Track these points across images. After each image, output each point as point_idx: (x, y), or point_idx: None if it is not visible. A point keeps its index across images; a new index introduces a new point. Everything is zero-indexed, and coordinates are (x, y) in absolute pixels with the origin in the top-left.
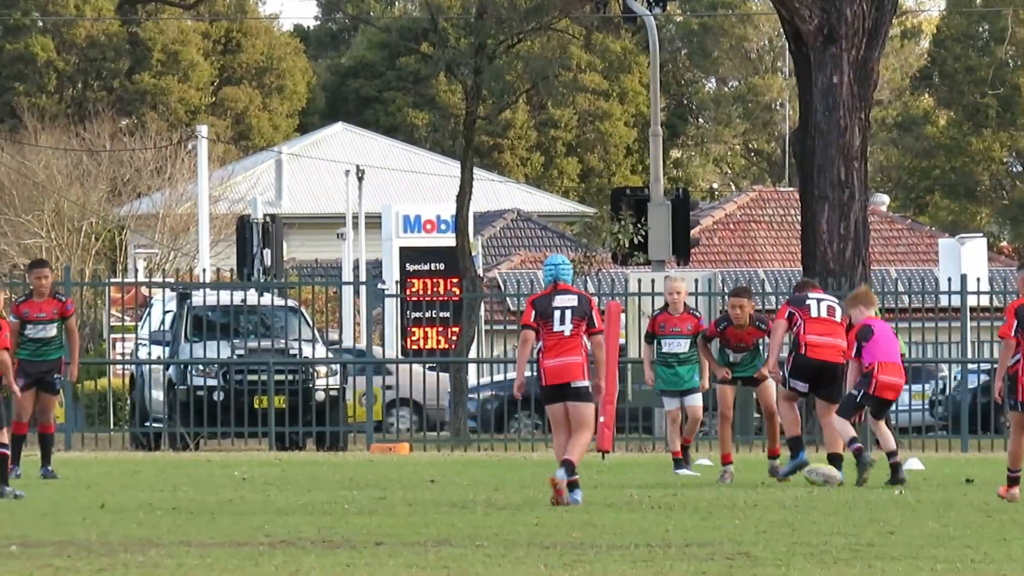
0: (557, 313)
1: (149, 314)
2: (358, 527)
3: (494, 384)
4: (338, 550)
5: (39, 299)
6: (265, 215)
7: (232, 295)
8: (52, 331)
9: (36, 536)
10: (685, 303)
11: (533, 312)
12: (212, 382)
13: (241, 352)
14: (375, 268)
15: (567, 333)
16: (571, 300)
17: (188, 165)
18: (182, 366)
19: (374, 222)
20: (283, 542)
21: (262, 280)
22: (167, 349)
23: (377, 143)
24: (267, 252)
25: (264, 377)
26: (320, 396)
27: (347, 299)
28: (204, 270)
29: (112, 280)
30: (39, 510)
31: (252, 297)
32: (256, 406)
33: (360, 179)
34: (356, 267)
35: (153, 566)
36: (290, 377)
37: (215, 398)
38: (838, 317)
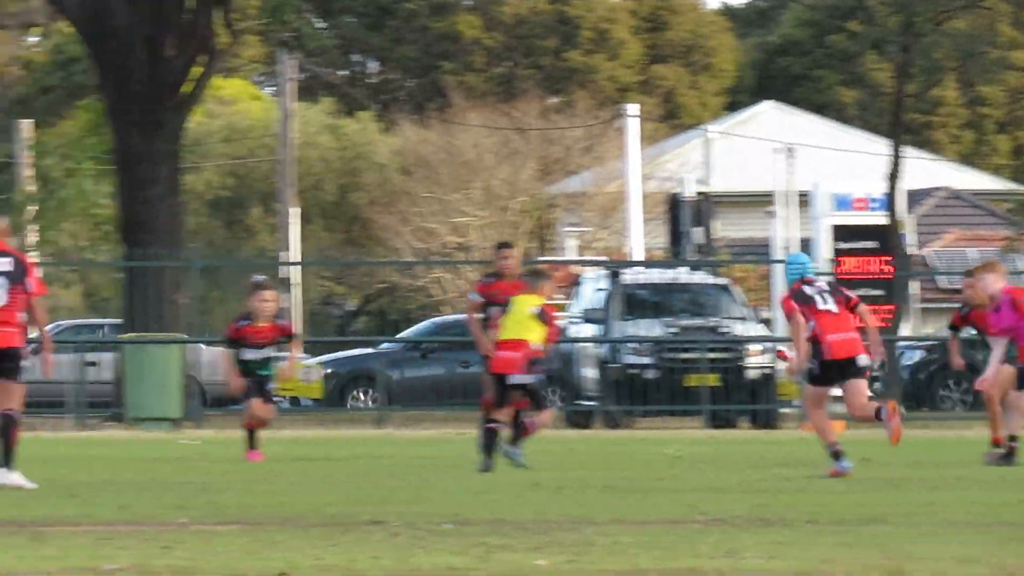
0: (818, 297)
1: (580, 292)
2: (791, 505)
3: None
4: (772, 528)
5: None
6: (697, 193)
7: (663, 273)
8: None
9: (469, 514)
10: None
11: (793, 303)
12: (645, 360)
13: (674, 330)
14: (804, 247)
15: (835, 310)
16: (823, 286)
17: (617, 143)
18: (614, 345)
19: (802, 200)
20: (717, 520)
21: (695, 258)
22: (600, 327)
23: (805, 121)
24: (699, 230)
25: (697, 356)
26: (753, 374)
27: (778, 278)
28: (633, 248)
29: (543, 258)
30: (472, 489)
31: (683, 275)
32: (688, 384)
33: (790, 157)
34: (787, 245)
35: (587, 544)
36: (723, 355)
37: (648, 376)
38: None
